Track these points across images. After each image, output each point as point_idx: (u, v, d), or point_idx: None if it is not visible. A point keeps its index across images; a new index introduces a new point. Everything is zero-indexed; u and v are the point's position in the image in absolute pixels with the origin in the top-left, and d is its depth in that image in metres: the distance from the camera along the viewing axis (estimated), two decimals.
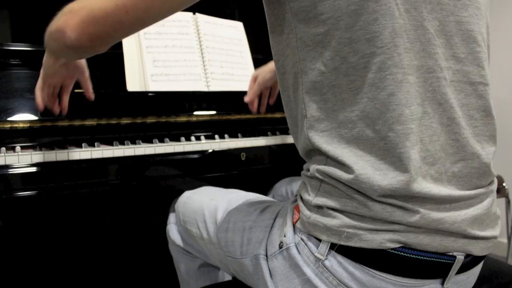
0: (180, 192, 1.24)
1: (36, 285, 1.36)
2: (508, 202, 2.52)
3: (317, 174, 0.70)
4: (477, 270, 0.77)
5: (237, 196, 0.98)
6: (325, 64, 0.67)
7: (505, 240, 2.83)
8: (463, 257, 0.69)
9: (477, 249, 0.71)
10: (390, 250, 0.65)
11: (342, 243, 0.66)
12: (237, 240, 0.86)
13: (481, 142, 0.72)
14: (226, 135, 1.31)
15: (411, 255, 0.66)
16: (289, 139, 1.35)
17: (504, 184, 2.44)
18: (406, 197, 0.65)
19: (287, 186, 1.32)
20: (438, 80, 0.67)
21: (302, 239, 0.72)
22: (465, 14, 0.70)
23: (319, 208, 0.70)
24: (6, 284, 1.32)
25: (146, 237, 1.51)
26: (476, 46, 0.71)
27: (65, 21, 0.73)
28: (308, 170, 0.74)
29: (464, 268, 0.71)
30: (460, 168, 0.70)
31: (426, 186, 0.65)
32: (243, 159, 1.22)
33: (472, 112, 0.71)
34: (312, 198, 0.71)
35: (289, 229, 0.75)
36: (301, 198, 0.74)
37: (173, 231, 1.15)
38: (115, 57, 1.27)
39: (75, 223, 1.40)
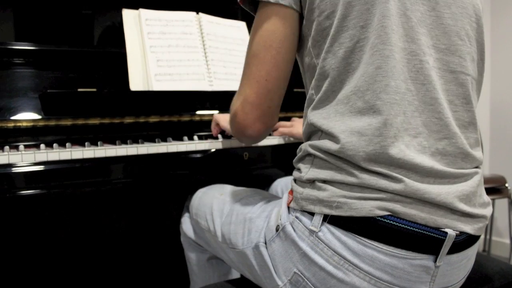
0: (183, 191, 1.25)
1: (39, 283, 1.37)
2: (510, 202, 2.51)
3: (309, 149, 0.78)
4: (470, 253, 0.78)
5: (244, 192, 1.02)
6: (326, 51, 0.76)
7: (507, 241, 2.83)
8: (454, 234, 0.71)
9: (467, 227, 0.73)
10: (379, 218, 0.69)
11: (334, 213, 0.71)
12: (239, 231, 0.90)
13: (460, 127, 0.76)
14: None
15: (399, 224, 0.69)
16: (292, 139, 1.35)
17: (506, 185, 2.44)
18: (390, 164, 0.69)
19: (283, 185, 1.34)
20: (421, 62, 0.73)
21: (296, 217, 0.76)
22: (447, 11, 0.76)
23: (311, 183, 0.76)
24: (8, 282, 1.33)
25: (149, 234, 1.52)
26: (457, 39, 0.77)
27: (238, 124, 0.85)
28: (301, 150, 0.82)
29: (457, 248, 0.73)
30: (444, 145, 0.74)
31: (409, 154, 0.70)
32: (245, 158, 1.22)
33: (452, 97, 0.76)
34: (305, 174, 0.77)
35: (284, 211, 0.79)
36: (294, 180, 0.81)
37: (186, 224, 1.20)
38: (119, 56, 1.27)
39: (78, 221, 1.40)
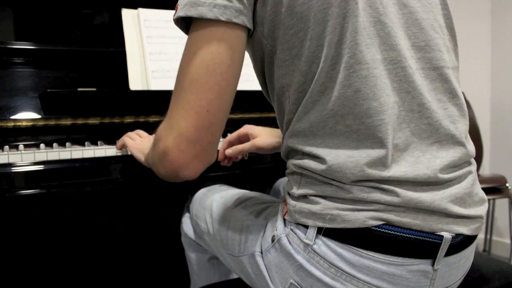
0: (181, 191, 1.25)
1: (39, 283, 1.37)
2: (511, 202, 2.51)
3: (295, 169, 0.75)
4: (468, 253, 0.77)
5: (244, 196, 1.00)
6: (302, 74, 0.71)
7: (508, 241, 2.82)
8: (450, 236, 0.70)
9: (463, 228, 0.72)
10: (373, 228, 0.67)
11: (327, 225, 0.69)
12: (236, 238, 0.89)
13: (454, 123, 0.74)
14: (228, 134, 1.31)
15: (395, 233, 0.68)
16: None
17: (507, 185, 2.43)
18: (380, 181, 0.68)
19: (286, 184, 1.33)
20: (404, 69, 0.70)
21: (291, 229, 0.74)
22: (418, 5, 0.74)
23: (303, 197, 0.73)
24: (8, 283, 1.33)
25: (149, 234, 1.51)
26: (433, 33, 0.74)
27: (170, 164, 0.71)
28: (288, 168, 0.78)
29: (454, 249, 0.72)
30: (436, 149, 0.72)
31: (399, 170, 0.68)
32: (246, 158, 1.21)
33: (439, 95, 0.74)
34: (296, 190, 0.74)
35: (279, 223, 0.78)
36: (288, 193, 0.78)
37: (186, 224, 1.20)
38: (118, 55, 1.27)
39: (78, 221, 1.40)
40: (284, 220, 0.77)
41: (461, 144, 0.74)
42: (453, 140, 0.73)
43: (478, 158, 2.71)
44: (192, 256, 1.21)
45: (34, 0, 1.30)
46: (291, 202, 0.75)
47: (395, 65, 0.70)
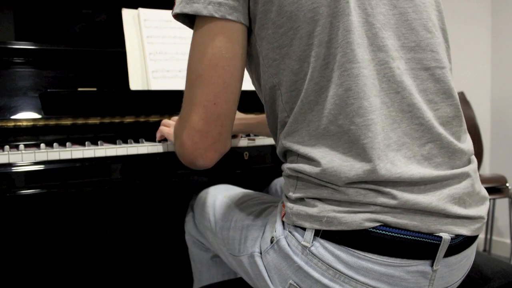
0: (183, 190, 1.25)
1: (40, 283, 1.37)
2: (511, 202, 2.51)
3: (290, 172, 0.75)
4: (469, 253, 0.77)
5: (247, 196, 1.01)
6: (294, 73, 0.71)
7: (508, 241, 2.82)
8: (449, 237, 0.69)
9: (463, 229, 0.71)
10: (370, 229, 0.67)
11: (324, 228, 0.69)
12: (236, 238, 0.89)
13: (444, 125, 0.74)
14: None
15: (391, 233, 0.67)
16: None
17: (507, 185, 2.43)
18: (376, 183, 0.67)
19: (282, 184, 1.34)
20: (392, 70, 0.70)
21: (289, 232, 0.74)
22: (410, 5, 0.73)
23: (300, 200, 0.74)
24: (7, 283, 1.33)
25: (152, 233, 1.51)
26: (426, 33, 0.74)
27: (187, 156, 0.77)
28: (284, 171, 0.78)
29: (454, 250, 0.72)
30: (429, 150, 0.71)
31: (395, 171, 0.67)
32: (246, 158, 1.22)
33: (431, 96, 0.73)
34: (292, 193, 0.75)
35: (278, 224, 0.78)
36: (285, 195, 0.78)
37: (190, 223, 1.20)
38: (119, 55, 1.27)
39: (79, 221, 1.40)
40: (283, 221, 0.77)
41: (454, 144, 0.73)
42: (447, 140, 0.73)
43: (479, 157, 2.71)
44: (195, 254, 1.21)
45: (34, 0, 1.30)
46: (288, 204, 0.75)
47: (383, 65, 0.70)
